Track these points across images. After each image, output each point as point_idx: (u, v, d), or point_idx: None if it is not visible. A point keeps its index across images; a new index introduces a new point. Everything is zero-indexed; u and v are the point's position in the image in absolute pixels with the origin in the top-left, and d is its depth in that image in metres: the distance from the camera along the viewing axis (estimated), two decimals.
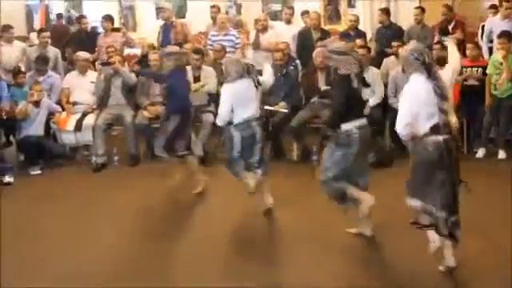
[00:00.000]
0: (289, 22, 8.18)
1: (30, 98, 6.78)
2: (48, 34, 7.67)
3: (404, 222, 4.27)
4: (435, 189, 3.87)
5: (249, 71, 5.16)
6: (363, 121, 4.67)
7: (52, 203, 5.77)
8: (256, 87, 5.21)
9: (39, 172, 6.74)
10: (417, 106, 3.91)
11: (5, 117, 6.76)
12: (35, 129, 6.84)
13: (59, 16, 8.99)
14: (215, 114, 6.93)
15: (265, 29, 7.74)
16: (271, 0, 8.42)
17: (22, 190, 6.26)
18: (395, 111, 6.60)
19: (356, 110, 4.63)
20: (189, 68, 7.22)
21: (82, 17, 8.41)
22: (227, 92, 5.15)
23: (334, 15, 8.49)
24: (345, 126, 4.52)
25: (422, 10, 8.39)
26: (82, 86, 7.20)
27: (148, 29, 8.87)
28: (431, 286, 3.87)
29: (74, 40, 8.41)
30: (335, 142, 4.66)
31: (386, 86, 7.31)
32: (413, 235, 4.17)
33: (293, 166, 6.90)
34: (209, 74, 7.23)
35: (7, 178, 6.38)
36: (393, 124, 6.82)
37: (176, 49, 6.09)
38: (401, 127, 4.03)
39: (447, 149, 3.84)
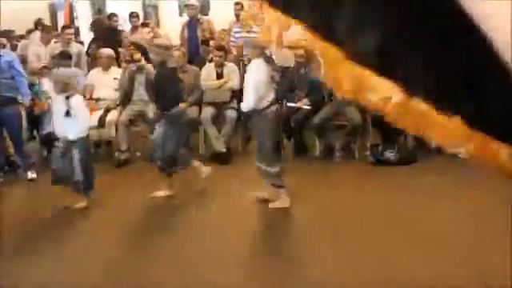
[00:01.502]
0: None
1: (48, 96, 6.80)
2: (72, 30, 7.72)
3: (429, 217, 4.24)
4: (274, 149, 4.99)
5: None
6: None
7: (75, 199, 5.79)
8: None
9: None
10: (261, 87, 4.94)
11: (23, 112, 6.80)
12: None
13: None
14: (238, 111, 7.02)
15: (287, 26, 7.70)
16: None
17: (44, 185, 6.30)
18: None
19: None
20: (211, 65, 7.26)
21: (113, 15, 8.44)
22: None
23: None
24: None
25: None
26: (105, 83, 7.22)
27: (171, 26, 8.88)
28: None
29: (100, 37, 8.44)
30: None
31: None
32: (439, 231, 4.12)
33: (315, 162, 6.86)
34: (232, 70, 7.22)
35: (30, 175, 6.43)
36: None
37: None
38: (249, 106, 5.02)
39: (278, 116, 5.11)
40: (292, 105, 7.07)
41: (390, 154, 6.74)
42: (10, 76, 6.32)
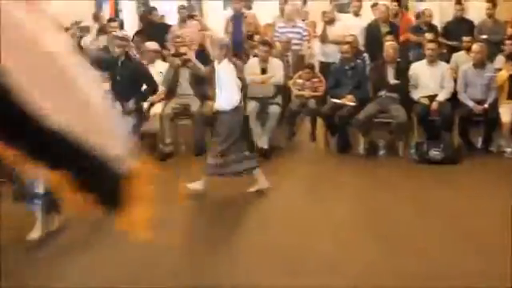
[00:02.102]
0: (357, 14, 8.06)
1: None
2: (116, 23, 7.77)
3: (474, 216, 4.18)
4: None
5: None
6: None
7: None
8: None
9: None
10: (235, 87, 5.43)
11: None
12: None
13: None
14: (282, 106, 7.01)
15: (332, 21, 7.65)
16: None
17: None
18: (465, 107, 6.52)
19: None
20: (255, 60, 7.24)
21: (152, 9, 8.48)
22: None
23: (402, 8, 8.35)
24: None
25: (494, 4, 8.15)
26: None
27: (215, 20, 8.86)
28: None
29: (144, 31, 8.48)
30: None
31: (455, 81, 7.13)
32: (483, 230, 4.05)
33: (359, 159, 6.82)
34: (276, 65, 7.19)
35: None
36: (463, 120, 6.75)
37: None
38: (232, 104, 5.32)
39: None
40: (336, 101, 7.03)
41: (435, 153, 6.65)
42: None
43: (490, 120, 6.84)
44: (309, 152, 7.21)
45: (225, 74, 5.36)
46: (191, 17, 7.93)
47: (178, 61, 7.15)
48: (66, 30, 9.67)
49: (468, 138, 7.04)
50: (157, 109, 7.04)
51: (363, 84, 7.17)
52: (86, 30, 8.14)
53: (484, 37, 7.58)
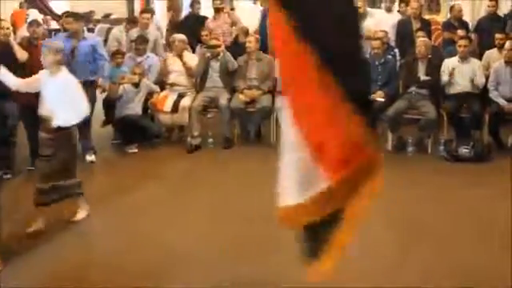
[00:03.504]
0: (389, 10, 7.97)
1: (122, 80, 6.91)
2: (149, 15, 7.80)
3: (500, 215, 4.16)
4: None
5: None
6: None
7: (147, 181, 5.88)
8: None
9: (136, 150, 6.90)
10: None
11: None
12: (134, 108, 6.98)
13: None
14: None
15: (363, 16, 7.59)
16: None
17: (118, 167, 6.46)
18: (496, 104, 6.44)
19: None
20: None
21: (194, 1, 8.46)
22: None
23: (434, 5, 8.23)
24: None
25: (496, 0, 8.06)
26: (179, 68, 7.25)
27: (245, 14, 8.81)
28: None
29: (183, 24, 8.46)
30: None
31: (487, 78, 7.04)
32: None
33: (387, 156, 6.77)
34: None
35: (88, 157, 6.52)
36: (493, 118, 6.67)
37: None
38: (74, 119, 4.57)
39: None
40: None
41: (464, 150, 6.58)
42: (93, 59, 6.46)
43: None
44: None
45: (64, 87, 4.52)
46: (222, 10, 7.92)
47: (208, 53, 7.16)
48: (97, 21, 9.81)
49: (498, 136, 6.95)
50: (186, 101, 7.05)
51: (393, 80, 7.11)
52: (116, 22, 8.16)
53: None
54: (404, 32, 7.60)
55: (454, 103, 6.92)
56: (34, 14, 10.15)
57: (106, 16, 10.24)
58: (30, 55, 5.93)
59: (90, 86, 6.31)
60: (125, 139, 7.03)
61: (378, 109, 6.86)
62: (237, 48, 7.49)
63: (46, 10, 11.02)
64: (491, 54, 7.35)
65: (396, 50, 7.56)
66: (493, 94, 6.92)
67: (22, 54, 5.92)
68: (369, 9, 8.02)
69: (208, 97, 7.13)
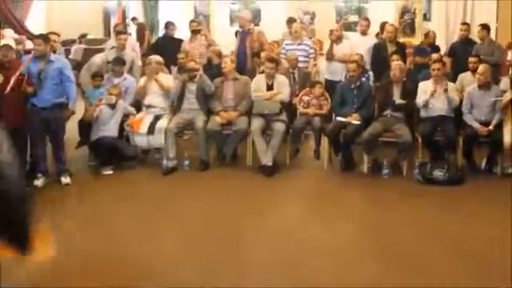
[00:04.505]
0: (364, 33, 8.07)
1: (99, 102, 6.88)
2: (125, 36, 7.78)
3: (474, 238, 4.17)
4: None
5: None
6: None
7: (122, 203, 5.86)
8: None
9: (111, 172, 6.84)
10: None
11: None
12: (110, 130, 6.95)
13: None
14: (287, 123, 7.02)
15: (339, 39, 7.67)
16: (348, 10, 8.32)
17: (94, 189, 6.39)
18: (470, 128, 6.52)
19: None
20: (262, 76, 7.27)
21: (169, 23, 8.49)
22: None
23: (408, 28, 8.33)
24: None
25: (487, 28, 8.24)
26: (155, 89, 7.25)
27: (222, 36, 8.87)
28: None
29: (158, 46, 8.49)
30: None
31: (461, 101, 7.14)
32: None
33: (363, 178, 6.81)
34: (282, 82, 7.22)
35: (64, 180, 6.46)
36: (466, 141, 6.76)
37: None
38: None
39: None
40: (341, 119, 7.03)
41: (439, 173, 6.64)
42: (60, 81, 6.41)
43: (494, 142, 6.85)
44: (313, 170, 7.19)
45: None
46: (198, 32, 7.95)
47: (185, 75, 7.16)
48: (73, 42, 9.74)
49: (472, 159, 7.05)
50: (162, 123, 7.03)
51: (368, 103, 7.17)
52: (92, 43, 8.11)
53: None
54: (379, 55, 7.69)
55: (428, 126, 6.98)
56: (9, 34, 10.05)
57: (82, 36, 10.16)
58: (3, 78, 5.89)
59: (59, 108, 6.27)
60: (101, 161, 6.97)
61: (354, 132, 6.92)
62: (210, 70, 7.50)
63: (21, 30, 10.89)
64: (465, 76, 7.47)
65: (370, 73, 7.64)
66: (466, 118, 7.01)
67: None
68: (345, 32, 8.11)
69: (184, 119, 7.12)
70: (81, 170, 7.02)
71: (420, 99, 7.04)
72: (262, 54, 7.49)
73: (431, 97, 7.01)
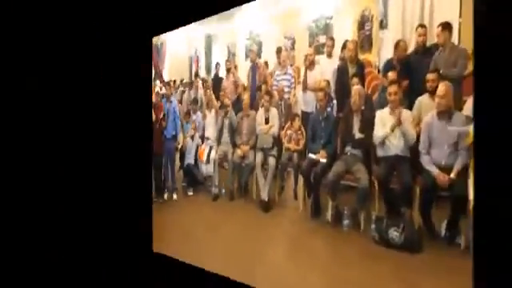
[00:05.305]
0: (330, 55, 6.14)
1: (189, 134, 8.49)
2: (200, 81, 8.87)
3: None
4: None
5: None
6: None
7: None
8: None
9: (192, 193, 8.44)
10: None
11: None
12: (191, 158, 8.49)
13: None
14: (277, 158, 6.92)
15: (312, 64, 6.34)
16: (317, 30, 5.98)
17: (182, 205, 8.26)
18: (428, 174, 5.03)
19: None
20: (262, 110, 7.19)
21: (217, 64, 8.71)
22: None
23: (366, 41, 5.48)
24: None
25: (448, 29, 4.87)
26: (210, 123, 8.22)
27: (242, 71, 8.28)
28: None
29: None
30: None
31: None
32: None
33: (326, 228, 6.06)
34: (274, 115, 6.94)
35: (175, 196, 8.47)
36: (423, 193, 5.20)
37: None
38: None
39: None
40: (312, 156, 6.34)
41: (394, 233, 5.41)
42: (173, 118, 8.47)
43: (456, 198, 4.92)
44: (290, 211, 6.68)
45: None
46: (229, 69, 8.02)
47: (223, 112, 7.86)
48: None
49: (430, 219, 5.18)
50: (214, 154, 8.03)
51: (332, 138, 6.11)
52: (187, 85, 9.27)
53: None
54: (341, 80, 6.00)
55: (384, 169, 5.55)
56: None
57: (181, 81, 10.88)
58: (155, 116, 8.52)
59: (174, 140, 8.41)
60: (187, 183, 8.65)
61: (322, 171, 6.20)
62: (237, 105, 7.75)
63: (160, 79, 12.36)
64: (422, 101, 5.23)
65: (334, 102, 6.13)
66: (423, 160, 5.20)
67: None
68: (317, 57, 6.40)
69: (222, 150, 7.87)
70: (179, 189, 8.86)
71: (378, 133, 5.61)
72: (263, 87, 7.16)
73: (391, 132, 5.51)
